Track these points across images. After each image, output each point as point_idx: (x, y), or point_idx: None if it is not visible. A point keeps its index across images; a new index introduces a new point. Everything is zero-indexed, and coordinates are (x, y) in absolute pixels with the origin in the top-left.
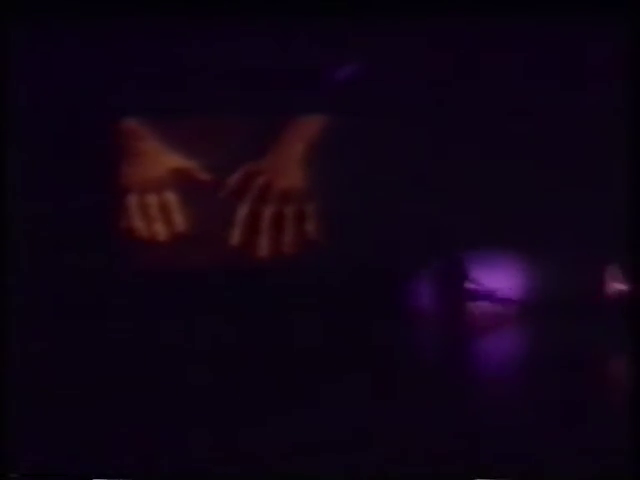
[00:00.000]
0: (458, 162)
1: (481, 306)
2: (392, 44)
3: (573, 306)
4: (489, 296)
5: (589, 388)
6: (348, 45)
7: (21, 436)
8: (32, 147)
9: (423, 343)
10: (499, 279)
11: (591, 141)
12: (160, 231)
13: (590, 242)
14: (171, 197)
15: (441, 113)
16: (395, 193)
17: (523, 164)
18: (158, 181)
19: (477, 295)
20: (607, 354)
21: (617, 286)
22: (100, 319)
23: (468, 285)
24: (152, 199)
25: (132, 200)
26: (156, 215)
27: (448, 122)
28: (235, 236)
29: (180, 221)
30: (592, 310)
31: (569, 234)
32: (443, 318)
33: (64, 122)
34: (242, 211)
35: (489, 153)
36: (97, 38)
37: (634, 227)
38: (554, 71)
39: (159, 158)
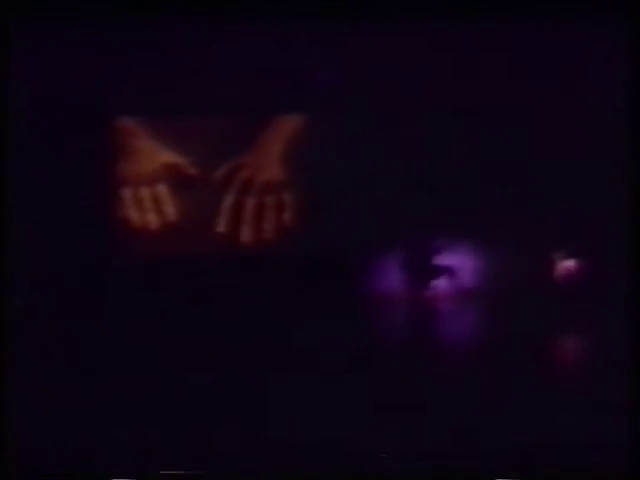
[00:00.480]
0: (427, 158)
1: (440, 288)
2: (368, 46)
3: (524, 290)
4: (448, 279)
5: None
6: (328, 47)
7: (21, 428)
8: (33, 143)
9: (386, 322)
10: (458, 263)
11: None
12: (152, 220)
13: (543, 231)
14: (162, 189)
15: (411, 111)
16: (365, 185)
17: (488, 160)
18: (151, 175)
19: (437, 277)
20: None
21: (565, 270)
22: (97, 302)
23: (429, 268)
24: (145, 191)
25: (127, 192)
26: (149, 206)
27: (416, 120)
28: (221, 224)
29: (171, 211)
30: (541, 293)
31: (524, 223)
32: (405, 298)
33: (63, 119)
34: (227, 202)
35: (455, 150)
36: (94, 39)
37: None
38: (553, 70)
39: (152, 154)
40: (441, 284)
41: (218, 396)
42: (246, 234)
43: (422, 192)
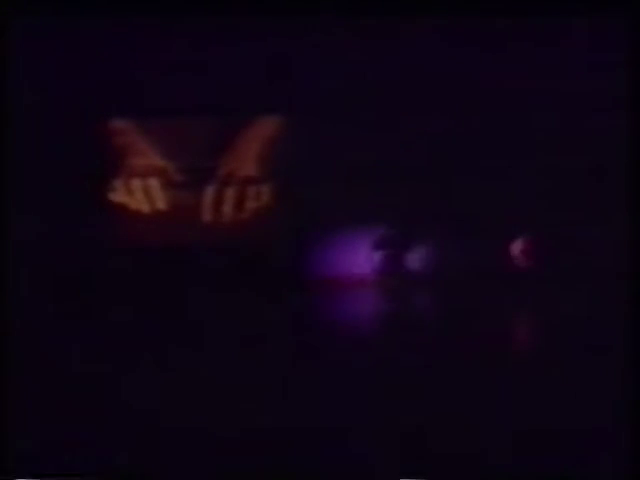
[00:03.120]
0: (390, 150)
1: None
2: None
3: (482, 276)
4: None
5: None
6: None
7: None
8: (31, 137)
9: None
10: (416, 251)
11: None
12: (145, 210)
13: (501, 218)
14: (152, 183)
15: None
16: (333, 178)
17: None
18: (142, 170)
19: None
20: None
21: (523, 258)
22: (92, 282)
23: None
24: (137, 184)
25: (121, 184)
26: (140, 197)
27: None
28: (205, 214)
29: (159, 202)
30: (500, 279)
31: (484, 212)
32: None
33: (58, 118)
34: (209, 194)
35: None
36: (90, 39)
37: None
38: (553, 70)
39: (143, 153)
40: (405, 268)
41: (212, 386)
42: (227, 222)
43: (391, 181)
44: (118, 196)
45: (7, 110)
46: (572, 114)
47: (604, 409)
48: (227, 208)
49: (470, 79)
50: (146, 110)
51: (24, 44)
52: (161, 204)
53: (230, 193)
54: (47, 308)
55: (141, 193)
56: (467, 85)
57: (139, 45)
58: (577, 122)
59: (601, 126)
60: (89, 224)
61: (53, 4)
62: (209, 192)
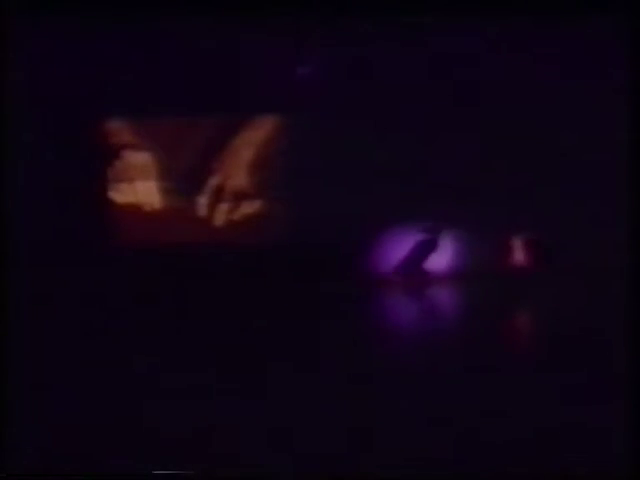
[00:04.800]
0: (396, 151)
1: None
2: (348, 45)
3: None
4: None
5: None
6: (305, 46)
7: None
8: (30, 135)
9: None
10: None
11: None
12: (145, 212)
13: (500, 217)
14: (145, 185)
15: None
16: (341, 184)
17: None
18: (139, 172)
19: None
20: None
21: (522, 256)
22: (94, 277)
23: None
24: (133, 186)
25: (121, 186)
26: (141, 199)
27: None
28: (200, 216)
29: (154, 206)
30: (501, 277)
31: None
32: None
33: (56, 119)
34: (202, 202)
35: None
36: (88, 40)
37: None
38: (554, 70)
39: (140, 154)
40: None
41: (213, 390)
42: (224, 227)
43: (400, 180)
44: (115, 197)
45: (7, 110)
46: (572, 114)
47: (604, 408)
48: (223, 211)
49: (470, 79)
50: (145, 111)
51: (24, 44)
52: (155, 208)
53: (225, 199)
54: (46, 309)
55: (136, 195)
56: (468, 85)
57: (140, 45)
58: (577, 122)
59: (601, 126)
60: (87, 224)
61: (53, 4)
62: (202, 201)
